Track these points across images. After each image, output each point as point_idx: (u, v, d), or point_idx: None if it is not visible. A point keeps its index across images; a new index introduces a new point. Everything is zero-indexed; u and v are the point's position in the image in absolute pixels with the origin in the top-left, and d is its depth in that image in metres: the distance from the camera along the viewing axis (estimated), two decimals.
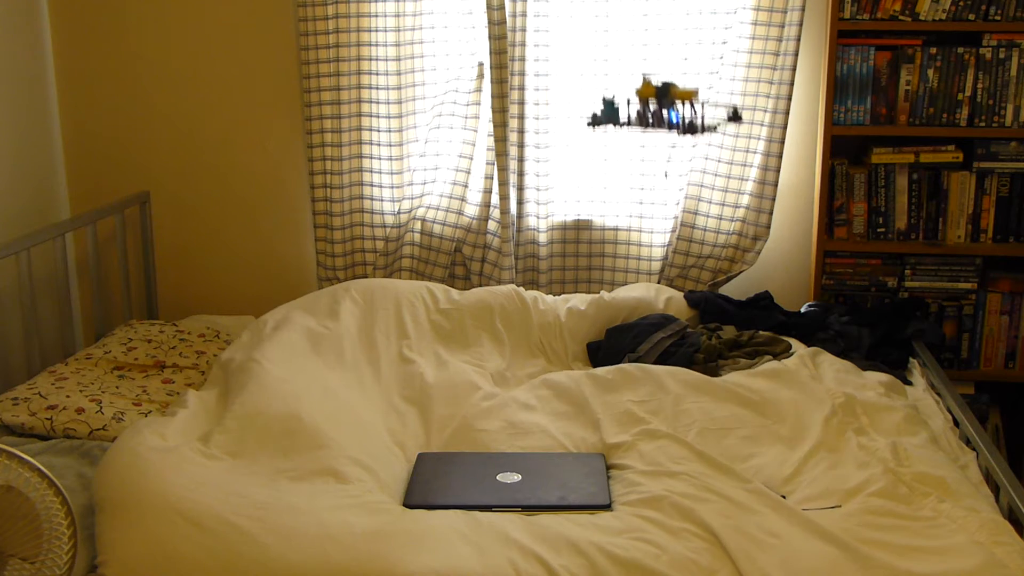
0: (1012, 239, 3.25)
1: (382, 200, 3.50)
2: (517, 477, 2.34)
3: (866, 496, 2.20)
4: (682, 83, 2.92)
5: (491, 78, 3.27)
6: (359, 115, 3.43)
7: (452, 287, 3.40)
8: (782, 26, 3.18)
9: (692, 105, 2.69)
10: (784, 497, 2.23)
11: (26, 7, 3.44)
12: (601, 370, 2.84)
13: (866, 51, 3.18)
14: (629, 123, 2.75)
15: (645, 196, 3.40)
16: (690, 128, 2.69)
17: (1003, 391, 3.38)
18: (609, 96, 2.76)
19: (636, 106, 2.73)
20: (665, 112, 2.69)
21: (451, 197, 3.46)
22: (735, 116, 2.78)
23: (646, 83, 2.71)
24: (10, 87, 3.35)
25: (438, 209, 3.49)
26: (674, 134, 2.69)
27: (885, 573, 1.96)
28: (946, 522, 2.11)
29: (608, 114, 2.74)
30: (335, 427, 2.47)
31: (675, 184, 3.38)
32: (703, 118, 2.69)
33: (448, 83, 3.39)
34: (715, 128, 2.74)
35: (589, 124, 2.79)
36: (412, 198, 3.47)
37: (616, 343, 3.00)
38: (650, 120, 2.71)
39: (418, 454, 2.49)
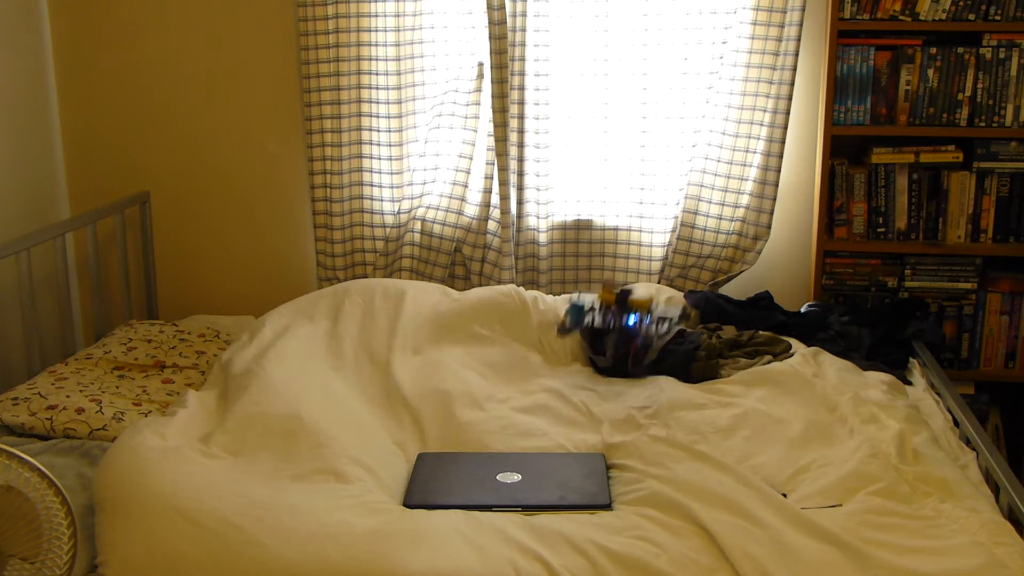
0: (1012, 239, 3.25)
1: (382, 200, 3.50)
2: (517, 477, 2.34)
3: (866, 495, 2.20)
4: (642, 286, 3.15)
5: (491, 78, 3.27)
6: (359, 115, 3.43)
7: (452, 287, 3.40)
8: (782, 26, 3.18)
9: (650, 313, 2.88)
10: (785, 496, 2.23)
11: (26, 7, 3.44)
12: (603, 371, 2.84)
13: (866, 51, 3.18)
14: (592, 329, 2.92)
15: (645, 196, 3.40)
16: (647, 340, 2.86)
17: (1003, 391, 3.38)
18: (579, 302, 2.93)
19: (599, 312, 2.91)
20: (621, 319, 2.87)
21: (451, 197, 3.46)
22: (685, 315, 2.95)
23: (607, 290, 2.91)
24: (10, 87, 3.35)
25: (438, 209, 3.49)
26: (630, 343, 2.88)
27: (885, 573, 1.96)
28: (947, 522, 2.11)
29: (575, 320, 2.91)
30: (335, 427, 2.47)
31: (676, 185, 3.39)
32: (657, 327, 2.86)
33: (448, 83, 3.39)
34: (665, 336, 2.91)
35: (559, 332, 2.97)
36: (412, 198, 3.47)
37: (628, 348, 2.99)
38: (610, 325, 2.88)
39: (418, 454, 2.49)
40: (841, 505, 2.19)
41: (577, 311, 2.91)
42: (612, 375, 2.88)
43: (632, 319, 2.84)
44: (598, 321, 2.88)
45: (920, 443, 2.41)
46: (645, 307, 2.87)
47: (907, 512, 2.14)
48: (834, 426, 2.51)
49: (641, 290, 3.04)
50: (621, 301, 2.87)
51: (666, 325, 2.86)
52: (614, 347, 2.87)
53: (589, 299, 2.94)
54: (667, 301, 3.10)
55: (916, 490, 2.22)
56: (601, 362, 2.96)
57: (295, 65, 3.51)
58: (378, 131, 3.44)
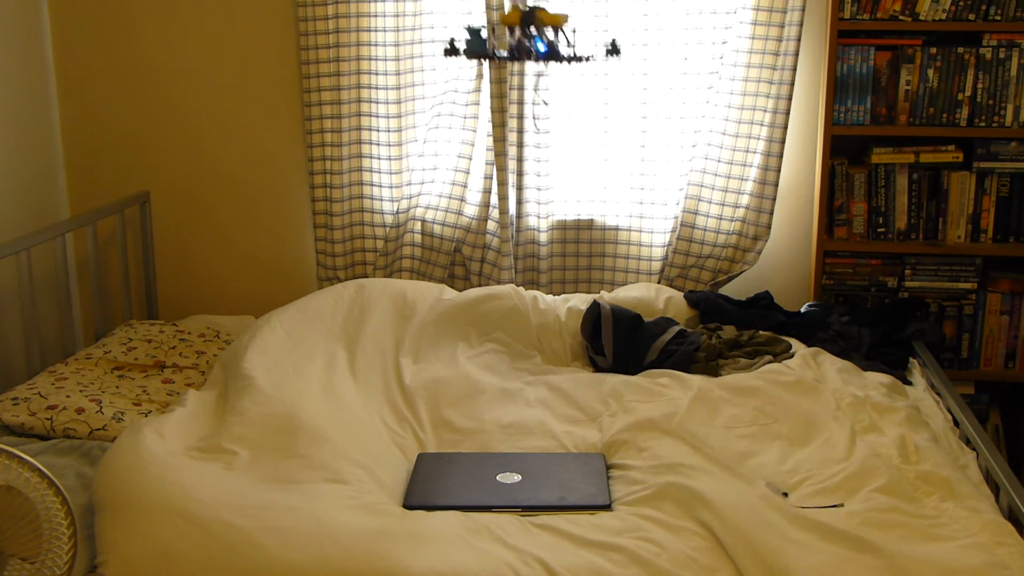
0: (1012, 239, 3.25)
1: (382, 200, 3.50)
2: (517, 477, 2.34)
3: (868, 494, 2.20)
4: (558, 9, 2.60)
5: (490, 78, 3.26)
6: (359, 115, 3.43)
7: (452, 287, 3.40)
8: (782, 26, 3.18)
9: (561, 31, 2.44)
10: (786, 495, 2.23)
11: (26, 7, 3.43)
12: (603, 371, 2.84)
13: (866, 51, 3.17)
14: (495, 55, 2.52)
15: (645, 196, 3.40)
16: (554, 56, 2.45)
17: (1003, 391, 3.38)
18: (476, 26, 2.53)
19: (505, 36, 2.48)
20: (529, 40, 2.46)
21: (450, 197, 3.46)
22: (614, 50, 2.54)
23: (513, 8, 2.46)
24: (10, 87, 3.35)
25: (437, 209, 3.49)
26: (541, 64, 2.46)
27: (887, 570, 1.96)
28: (948, 521, 2.11)
29: (475, 45, 2.52)
30: (335, 428, 2.47)
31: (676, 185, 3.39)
32: (574, 47, 2.43)
33: (447, 83, 3.39)
34: (587, 59, 2.51)
35: (448, 53, 2.55)
36: (411, 198, 3.47)
37: (628, 348, 2.98)
38: (515, 50, 2.48)
39: (418, 454, 2.49)
40: (843, 505, 2.19)
41: (474, 34, 2.55)
42: (612, 372, 2.88)
43: (541, 42, 2.46)
44: (503, 49, 2.49)
45: (922, 443, 2.41)
46: (559, 22, 2.49)
47: (909, 511, 2.14)
48: (835, 426, 2.51)
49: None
50: (527, 19, 2.49)
51: (589, 49, 2.40)
52: (614, 345, 2.84)
53: (488, 22, 2.52)
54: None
55: (918, 489, 2.22)
56: (602, 362, 2.96)
57: (295, 65, 3.51)
58: (378, 131, 3.44)
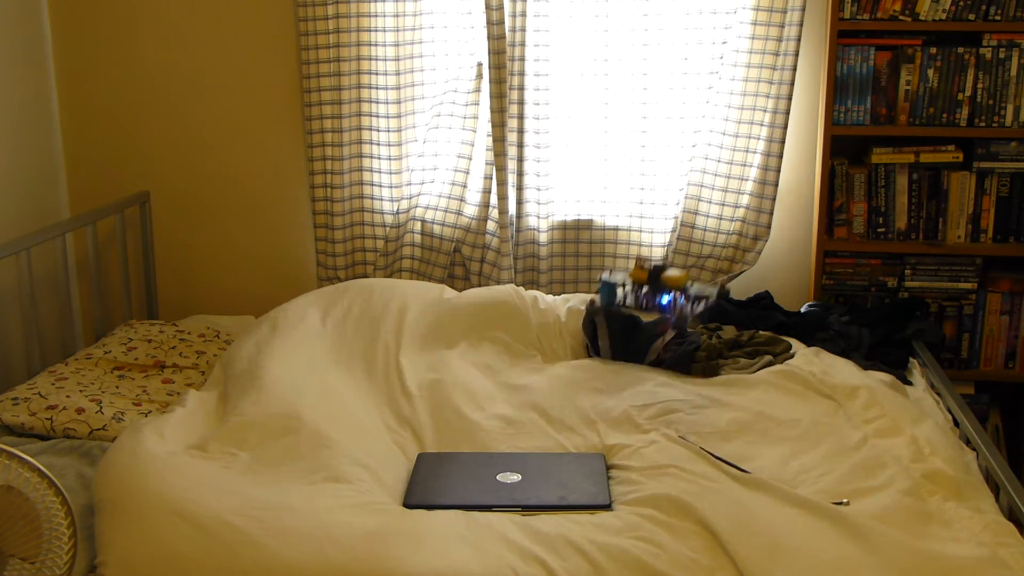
0: (1012, 239, 3.25)
1: (382, 200, 3.50)
2: (517, 477, 2.34)
3: (873, 494, 2.20)
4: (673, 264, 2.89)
5: (490, 78, 3.27)
6: (359, 115, 3.43)
7: (452, 287, 3.40)
8: (782, 26, 3.18)
9: (684, 291, 2.65)
10: (847, 503, 2.21)
11: (26, 7, 3.44)
12: (603, 371, 2.84)
13: (866, 51, 3.18)
14: (625, 306, 2.73)
15: (645, 196, 3.40)
16: (681, 321, 2.67)
17: (1003, 391, 3.38)
18: (610, 279, 2.70)
19: (631, 290, 2.70)
20: (655, 297, 2.66)
21: (450, 197, 3.46)
22: (723, 293, 2.79)
23: (638, 267, 2.67)
24: (10, 87, 3.35)
25: (437, 209, 3.49)
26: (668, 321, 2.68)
27: (886, 570, 1.96)
28: (952, 520, 2.11)
29: (608, 298, 2.71)
30: (335, 427, 2.47)
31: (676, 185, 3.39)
32: (692, 306, 2.63)
33: (447, 83, 3.39)
34: (697, 319, 2.72)
35: (590, 314, 2.78)
36: (411, 198, 3.47)
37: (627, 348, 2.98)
38: (643, 305, 2.68)
39: (418, 454, 2.49)
40: (848, 503, 2.18)
41: (608, 288, 2.70)
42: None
43: (666, 298, 2.62)
44: (630, 300, 2.67)
45: (933, 437, 2.41)
46: (680, 284, 2.65)
47: (913, 508, 2.14)
48: (840, 425, 2.51)
49: (674, 269, 2.80)
50: (654, 278, 2.66)
51: (702, 304, 2.62)
52: (611, 344, 2.82)
53: (620, 276, 2.73)
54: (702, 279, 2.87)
55: (922, 488, 2.22)
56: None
57: (295, 65, 3.51)
58: (378, 131, 3.44)
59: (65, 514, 1.99)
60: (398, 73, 3.37)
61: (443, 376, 2.81)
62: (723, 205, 3.34)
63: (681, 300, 2.63)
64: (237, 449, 2.38)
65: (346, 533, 2.06)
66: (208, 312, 3.65)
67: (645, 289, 2.68)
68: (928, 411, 2.67)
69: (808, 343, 3.01)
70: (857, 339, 3.04)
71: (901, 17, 3.13)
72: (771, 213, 3.30)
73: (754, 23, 3.20)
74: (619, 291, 2.71)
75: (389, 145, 3.45)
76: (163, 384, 2.87)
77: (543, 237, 3.43)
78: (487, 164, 3.40)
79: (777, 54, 3.20)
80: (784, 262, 3.50)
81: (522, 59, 3.28)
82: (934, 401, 2.73)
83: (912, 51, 3.17)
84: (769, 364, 2.86)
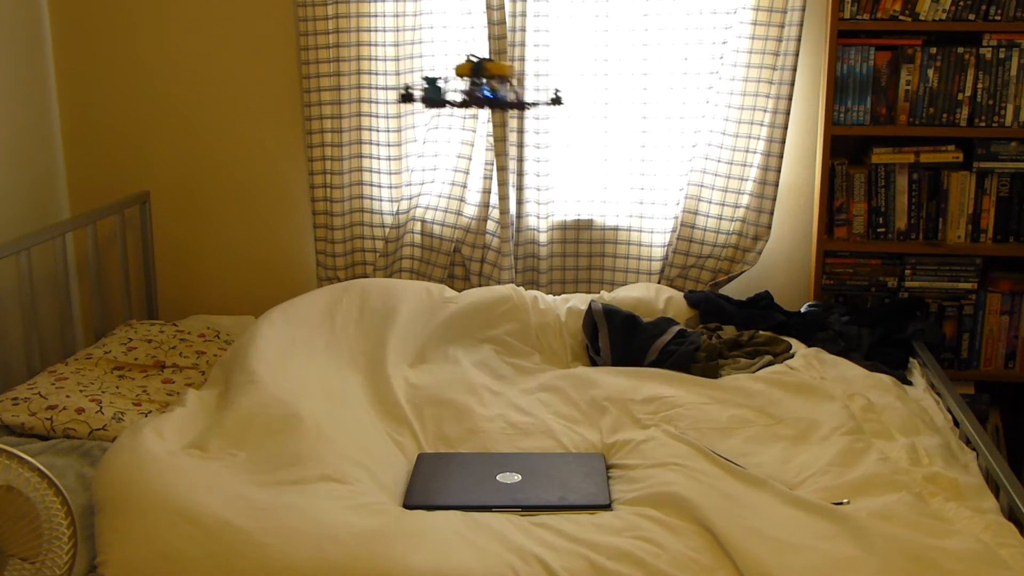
0: (1012, 239, 3.25)
1: (382, 200, 3.50)
2: (517, 477, 2.34)
3: (873, 493, 2.20)
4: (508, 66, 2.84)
5: None
6: (359, 115, 3.43)
7: (452, 287, 3.40)
8: (782, 26, 3.18)
9: (507, 81, 2.67)
10: (845, 503, 2.21)
11: (26, 7, 3.44)
12: (603, 370, 2.84)
13: (866, 51, 3.18)
14: (448, 102, 2.72)
15: (645, 196, 3.40)
16: (500, 104, 2.69)
17: (1003, 391, 3.38)
18: (432, 76, 2.73)
19: (457, 85, 2.71)
20: (478, 89, 2.67)
21: (450, 197, 3.46)
22: (556, 100, 2.75)
23: (466, 60, 2.68)
24: (10, 87, 3.35)
25: (437, 209, 3.49)
26: (486, 109, 2.72)
27: (886, 570, 1.96)
28: (954, 519, 2.12)
29: (431, 94, 2.71)
30: (335, 427, 2.47)
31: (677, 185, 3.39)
32: (520, 97, 2.68)
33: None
34: (532, 106, 2.78)
35: (403, 100, 2.78)
36: (411, 198, 3.47)
37: (627, 348, 2.97)
38: (468, 96, 2.68)
39: (418, 454, 2.49)
40: (848, 502, 2.18)
41: (431, 83, 2.72)
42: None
43: (487, 90, 2.66)
44: (456, 97, 2.70)
45: (931, 446, 2.41)
46: (504, 72, 2.69)
47: (913, 508, 2.14)
48: (840, 426, 2.51)
49: (497, 58, 2.82)
50: (478, 70, 2.67)
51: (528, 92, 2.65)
52: (611, 344, 2.83)
53: (443, 74, 2.77)
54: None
55: (923, 489, 2.22)
56: (601, 363, 2.96)
57: (295, 65, 3.51)
58: (378, 131, 3.44)
59: (65, 514, 1.99)
60: (398, 73, 3.37)
61: (443, 376, 2.81)
62: (723, 205, 3.34)
63: (505, 89, 2.66)
64: (237, 449, 2.38)
65: (346, 533, 2.06)
66: (208, 312, 3.65)
67: (470, 82, 2.69)
68: (928, 412, 2.67)
69: (808, 343, 3.01)
70: (857, 339, 3.04)
71: (901, 17, 3.13)
72: (771, 213, 3.30)
73: (754, 23, 3.20)
74: (441, 84, 2.73)
75: (389, 145, 3.45)
76: (163, 384, 2.87)
77: (543, 237, 3.43)
78: (487, 164, 3.40)
79: (777, 54, 3.20)
80: (784, 262, 3.50)
81: (522, 59, 3.28)
82: (934, 401, 2.73)
83: (912, 51, 3.16)
84: (769, 364, 2.87)
